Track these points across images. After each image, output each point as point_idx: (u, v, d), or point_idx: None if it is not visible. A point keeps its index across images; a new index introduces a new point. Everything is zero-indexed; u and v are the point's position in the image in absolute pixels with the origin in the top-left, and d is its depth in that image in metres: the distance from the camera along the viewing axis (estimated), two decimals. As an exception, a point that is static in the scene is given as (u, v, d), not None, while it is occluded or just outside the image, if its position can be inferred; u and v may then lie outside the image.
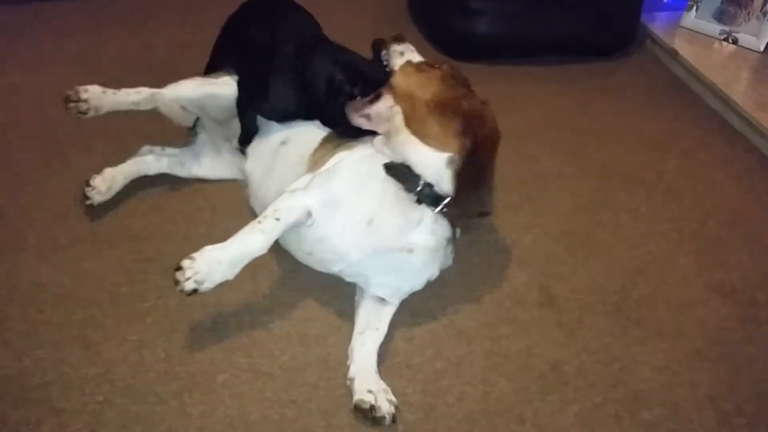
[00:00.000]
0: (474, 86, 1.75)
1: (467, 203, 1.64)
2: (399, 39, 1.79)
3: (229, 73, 1.96)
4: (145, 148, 2.09)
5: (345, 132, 1.77)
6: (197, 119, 2.07)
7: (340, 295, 1.81)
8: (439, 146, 1.60)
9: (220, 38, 2.12)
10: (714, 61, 2.96)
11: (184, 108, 1.97)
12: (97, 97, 1.80)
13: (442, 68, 1.72)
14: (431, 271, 1.73)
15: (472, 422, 1.55)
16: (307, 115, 1.85)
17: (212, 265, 1.48)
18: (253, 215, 1.97)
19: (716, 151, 2.55)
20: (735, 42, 3.08)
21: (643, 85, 2.93)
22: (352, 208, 1.61)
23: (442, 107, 1.61)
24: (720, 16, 3.11)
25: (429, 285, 1.77)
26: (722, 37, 3.11)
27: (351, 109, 1.70)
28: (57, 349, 1.62)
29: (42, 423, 1.47)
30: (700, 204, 2.27)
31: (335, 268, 1.69)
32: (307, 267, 1.82)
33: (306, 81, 1.78)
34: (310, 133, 1.83)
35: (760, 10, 2.99)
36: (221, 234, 1.93)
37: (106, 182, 1.95)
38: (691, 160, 2.49)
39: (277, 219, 1.56)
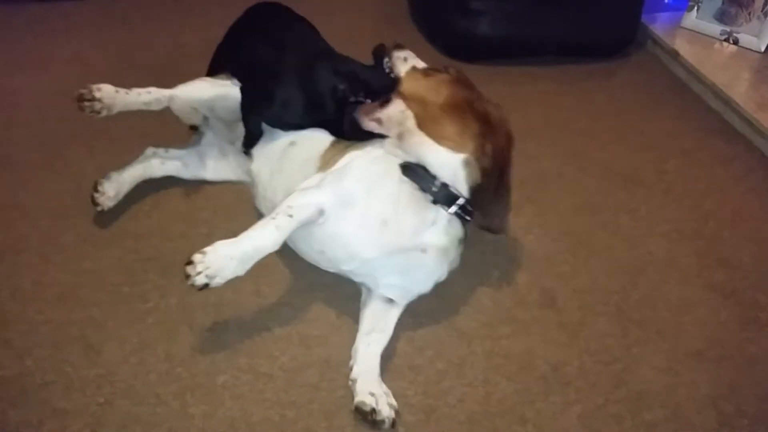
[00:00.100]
0: (475, 87, 1.75)
1: (488, 204, 1.68)
2: (399, 46, 1.80)
3: (230, 78, 1.96)
4: (150, 150, 2.08)
5: (354, 138, 1.77)
6: (204, 118, 2.07)
7: (341, 296, 1.81)
8: (455, 147, 1.61)
9: (223, 43, 2.13)
10: (715, 62, 2.96)
11: (194, 108, 1.97)
12: (110, 96, 1.79)
13: (449, 72, 1.73)
14: (441, 273, 1.73)
15: (473, 423, 1.55)
16: (313, 126, 1.85)
17: (224, 260, 1.47)
18: (259, 215, 1.98)
19: (717, 152, 2.55)
20: (736, 42, 3.08)
21: (643, 86, 2.93)
22: (367, 207, 1.61)
23: (456, 109, 1.63)
24: (721, 17, 3.11)
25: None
26: (723, 37, 3.11)
27: (361, 113, 1.71)
28: (58, 349, 1.62)
29: (43, 424, 1.47)
30: (701, 204, 2.27)
31: (346, 267, 1.69)
32: (309, 267, 1.82)
33: (309, 93, 1.79)
34: (319, 134, 1.84)
35: (761, 11, 2.99)
36: (222, 234, 1.93)
37: (114, 187, 1.95)
38: (691, 160, 2.49)
39: (291, 216, 1.55)
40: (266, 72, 1.86)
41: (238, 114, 1.95)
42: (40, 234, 1.93)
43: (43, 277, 1.80)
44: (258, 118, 1.87)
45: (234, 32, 2.11)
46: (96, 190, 1.92)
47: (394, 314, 1.71)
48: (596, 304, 1.87)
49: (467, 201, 1.64)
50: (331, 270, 1.76)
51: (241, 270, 1.50)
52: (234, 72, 1.97)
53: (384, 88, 1.73)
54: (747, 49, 3.05)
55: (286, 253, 1.82)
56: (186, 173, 2.11)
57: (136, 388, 1.55)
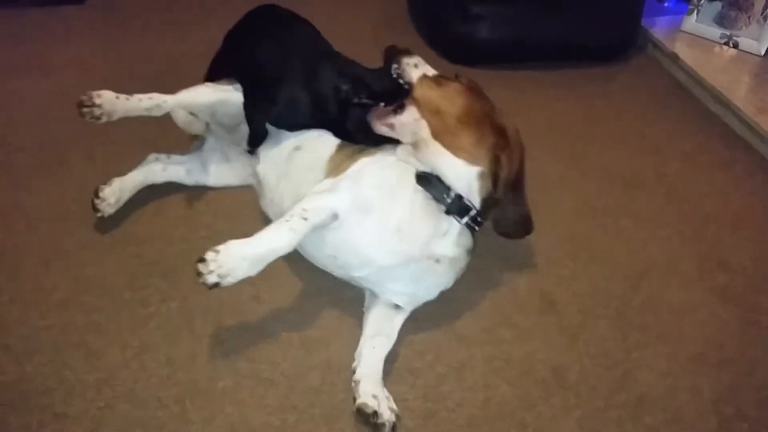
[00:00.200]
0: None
1: (507, 215, 1.72)
2: (408, 52, 1.79)
3: (232, 82, 1.96)
4: (152, 156, 2.08)
5: (360, 140, 1.78)
6: (206, 125, 2.07)
7: (342, 300, 1.81)
8: (471, 159, 1.63)
9: (224, 47, 2.13)
10: (715, 65, 2.97)
11: (194, 114, 1.96)
12: (111, 102, 1.79)
13: (461, 81, 1.73)
14: (448, 281, 1.74)
15: (473, 428, 1.55)
16: (316, 126, 1.86)
17: (236, 260, 1.46)
18: (263, 219, 1.99)
19: (717, 155, 2.55)
20: (736, 46, 3.08)
21: (644, 89, 2.93)
22: (383, 214, 1.61)
23: (472, 120, 1.64)
24: (721, 20, 3.12)
25: (432, 291, 1.77)
26: (723, 41, 3.11)
27: (374, 117, 1.71)
28: (59, 354, 1.62)
29: (43, 428, 1.47)
30: (701, 208, 2.27)
31: (357, 274, 1.68)
32: (310, 271, 1.82)
33: (312, 93, 1.79)
34: (325, 137, 1.84)
35: (761, 14, 3.00)
36: (223, 238, 1.93)
37: (115, 193, 1.95)
38: (692, 163, 2.49)
39: (305, 218, 1.55)
40: (269, 72, 1.86)
41: (240, 118, 1.95)
42: (41, 238, 1.93)
43: (44, 282, 1.80)
44: (261, 118, 1.88)
45: (235, 35, 2.11)
46: (97, 196, 1.92)
47: (399, 320, 1.71)
48: (597, 307, 1.87)
49: (478, 212, 1.65)
50: (340, 275, 1.77)
51: (253, 271, 1.50)
52: (237, 73, 1.97)
53: (387, 91, 1.74)
54: (747, 52, 3.05)
55: (287, 257, 1.81)
56: (188, 179, 2.11)
57: (137, 393, 1.55)
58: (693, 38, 3.16)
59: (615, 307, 1.87)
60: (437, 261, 1.66)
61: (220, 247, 1.46)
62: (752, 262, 2.06)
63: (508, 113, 1.71)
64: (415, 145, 1.68)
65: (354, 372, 1.58)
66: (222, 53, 2.14)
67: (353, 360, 1.61)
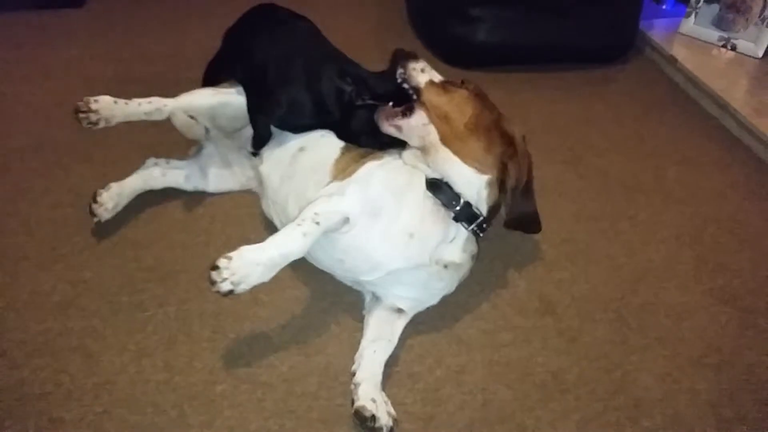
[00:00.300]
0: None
1: (518, 219, 1.74)
2: (415, 56, 1.78)
3: (233, 85, 1.96)
4: (150, 160, 2.07)
5: (366, 144, 1.78)
6: (206, 131, 2.05)
7: (340, 304, 1.81)
8: (480, 167, 1.64)
9: (223, 49, 2.12)
10: (713, 68, 2.97)
11: (194, 118, 1.94)
12: (108, 107, 1.78)
13: (467, 87, 1.74)
14: (452, 287, 1.75)
15: (472, 431, 1.54)
16: (320, 128, 1.86)
17: (249, 266, 1.44)
18: (263, 222, 1.99)
19: (715, 158, 2.55)
20: (733, 48, 3.09)
21: (641, 92, 2.94)
22: (394, 218, 1.61)
23: (481, 129, 1.65)
24: (719, 23, 3.12)
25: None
26: (721, 43, 3.12)
27: (381, 116, 1.71)
28: (56, 358, 1.62)
29: (41, 433, 1.47)
30: (699, 210, 2.27)
31: (365, 278, 1.68)
32: (309, 275, 1.82)
33: (316, 94, 1.79)
34: (328, 140, 1.84)
35: (759, 17, 3.00)
36: (220, 242, 1.96)
37: (113, 198, 1.93)
38: (690, 166, 2.49)
39: (317, 222, 1.54)
40: (272, 74, 1.86)
41: (240, 123, 1.95)
42: (38, 242, 1.93)
43: (42, 286, 1.80)
44: (266, 120, 1.87)
45: (235, 36, 2.09)
46: (95, 200, 1.90)
47: (400, 324, 1.71)
48: (595, 311, 1.87)
49: (484, 219, 1.66)
50: (345, 279, 1.77)
51: (266, 276, 1.48)
52: (239, 75, 1.96)
53: (390, 94, 1.74)
54: (744, 55, 3.06)
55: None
56: (187, 185, 2.09)
57: (135, 397, 1.55)
58: (691, 41, 3.16)
59: (614, 310, 1.87)
60: (445, 266, 1.67)
61: (233, 254, 1.44)
62: (750, 265, 2.06)
63: (514, 121, 1.72)
64: (424, 150, 1.68)
65: (353, 375, 1.57)
66: (221, 55, 2.13)
67: (352, 364, 1.61)
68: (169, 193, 2.09)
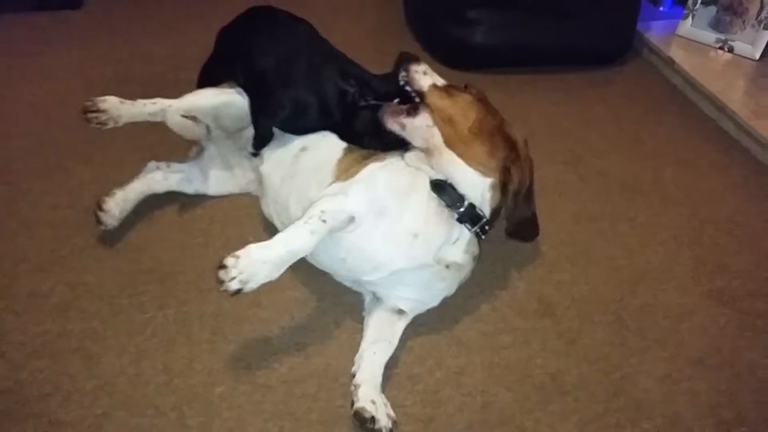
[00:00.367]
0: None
1: (519, 225, 1.77)
2: (417, 60, 1.79)
3: (233, 85, 1.96)
4: (152, 164, 2.06)
5: (368, 145, 1.78)
6: (207, 130, 2.05)
7: (340, 306, 1.81)
8: (484, 170, 1.65)
9: (221, 51, 2.12)
10: (710, 70, 2.98)
11: (196, 119, 1.95)
12: (116, 107, 1.78)
13: (471, 91, 1.75)
14: (452, 288, 1.75)
15: (472, 433, 1.54)
16: (324, 129, 1.86)
17: (257, 264, 1.43)
18: (262, 222, 1.99)
19: (713, 159, 2.56)
20: (731, 50, 3.09)
21: (639, 94, 2.94)
22: (398, 218, 1.61)
23: (485, 133, 1.66)
24: (716, 25, 3.13)
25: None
26: (718, 45, 3.12)
27: (386, 113, 1.72)
28: (56, 360, 1.62)
29: (40, 436, 1.46)
30: (698, 212, 2.27)
31: (367, 278, 1.68)
32: (308, 277, 1.82)
33: (319, 96, 1.80)
34: (330, 140, 1.85)
35: (756, 19, 3.01)
36: (219, 243, 1.95)
37: (119, 205, 1.92)
38: (688, 168, 2.50)
39: (324, 221, 1.54)
40: (274, 75, 1.86)
41: (242, 122, 1.95)
42: (38, 244, 1.92)
43: (41, 288, 1.79)
44: (268, 122, 1.87)
45: (235, 38, 2.08)
46: (100, 209, 1.88)
47: (401, 325, 1.71)
48: (595, 312, 1.87)
49: (487, 221, 1.67)
50: (347, 279, 1.77)
51: (274, 275, 1.47)
52: (240, 76, 1.96)
53: (393, 96, 1.75)
54: (742, 56, 3.06)
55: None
56: (188, 188, 2.08)
57: (134, 400, 1.55)
58: (688, 42, 3.17)
59: (613, 311, 1.87)
60: (447, 267, 1.68)
61: (240, 252, 1.43)
62: (749, 266, 2.06)
63: (516, 125, 1.73)
64: (427, 152, 1.69)
65: (353, 376, 1.57)
66: (220, 56, 2.12)
67: (352, 366, 1.61)
68: (168, 195, 2.08)
